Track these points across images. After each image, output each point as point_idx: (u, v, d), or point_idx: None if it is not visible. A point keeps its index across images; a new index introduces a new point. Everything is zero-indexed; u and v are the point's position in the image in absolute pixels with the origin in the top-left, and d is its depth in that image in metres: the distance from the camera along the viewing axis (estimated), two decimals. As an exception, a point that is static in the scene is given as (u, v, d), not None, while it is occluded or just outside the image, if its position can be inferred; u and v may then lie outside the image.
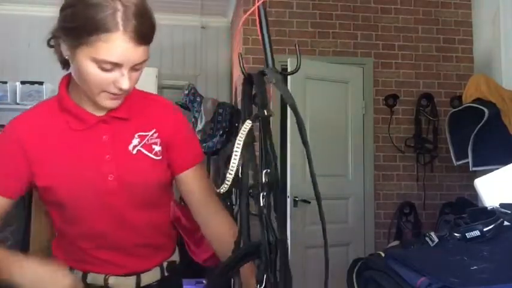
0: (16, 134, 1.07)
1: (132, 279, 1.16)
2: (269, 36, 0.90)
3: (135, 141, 1.10)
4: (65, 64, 1.07)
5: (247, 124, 0.82)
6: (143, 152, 1.10)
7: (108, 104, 1.03)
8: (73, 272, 1.12)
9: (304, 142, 0.77)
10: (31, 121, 1.09)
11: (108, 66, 0.96)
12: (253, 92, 0.90)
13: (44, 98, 3.09)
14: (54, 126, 1.08)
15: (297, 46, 0.89)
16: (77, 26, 0.94)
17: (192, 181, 1.17)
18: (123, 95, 1.03)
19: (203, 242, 1.46)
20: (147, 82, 3.90)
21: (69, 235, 1.14)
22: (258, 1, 0.89)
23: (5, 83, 4.04)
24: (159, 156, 1.12)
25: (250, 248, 0.83)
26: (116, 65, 0.96)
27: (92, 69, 0.96)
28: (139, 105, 1.13)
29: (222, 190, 0.83)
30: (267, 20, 0.89)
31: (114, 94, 1.01)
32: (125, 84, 0.98)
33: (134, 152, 1.09)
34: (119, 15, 0.93)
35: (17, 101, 3.91)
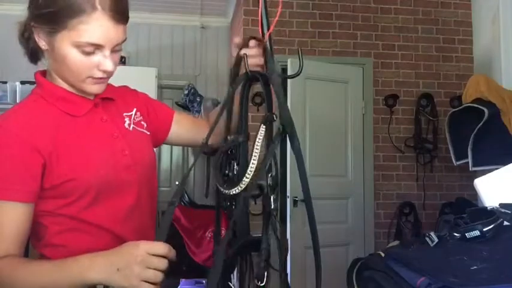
0: (23, 135, 0.96)
1: None
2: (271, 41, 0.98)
3: (126, 120, 1.13)
4: (34, 57, 1.07)
5: (262, 129, 0.86)
6: (137, 129, 1.14)
7: (94, 89, 1.03)
8: None
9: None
10: (30, 121, 0.99)
11: (90, 49, 0.95)
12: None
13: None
14: (54, 119, 1.02)
15: (300, 51, 0.92)
16: (56, 11, 0.93)
17: (181, 117, 1.30)
18: (107, 78, 1.04)
19: (203, 242, 1.44)
20: (147, 82, 3.89)
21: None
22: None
23: (5, 83, 4.04)
24: (148, 131, 1.17)
25: (248, 241, 0.85)
26: (98, 47, 0.96)
27: (74, 55, 0.96)
28: (112, 90, 1.15)
29: (235, 191, 0.85)
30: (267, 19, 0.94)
31: (99, 78, 1.01)
32: (109, 65, 0.98)
33: (130, 129, 1.12)
34: None
35: (17, 101, 3.89)
